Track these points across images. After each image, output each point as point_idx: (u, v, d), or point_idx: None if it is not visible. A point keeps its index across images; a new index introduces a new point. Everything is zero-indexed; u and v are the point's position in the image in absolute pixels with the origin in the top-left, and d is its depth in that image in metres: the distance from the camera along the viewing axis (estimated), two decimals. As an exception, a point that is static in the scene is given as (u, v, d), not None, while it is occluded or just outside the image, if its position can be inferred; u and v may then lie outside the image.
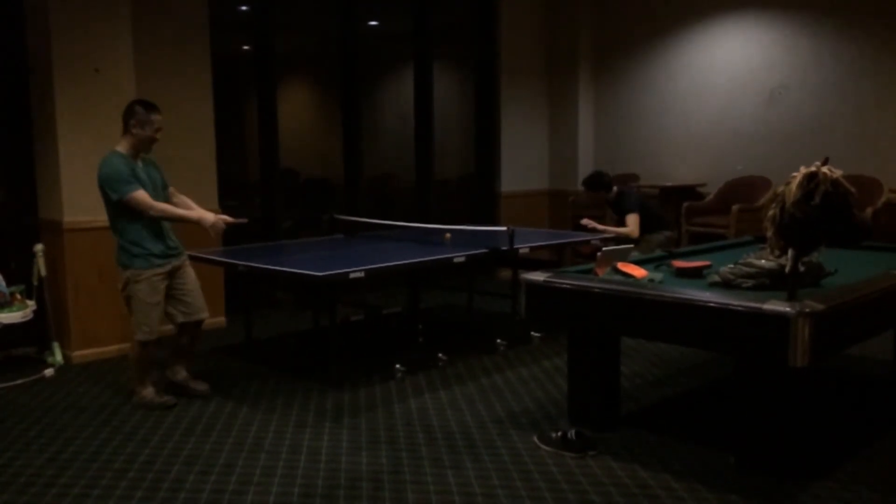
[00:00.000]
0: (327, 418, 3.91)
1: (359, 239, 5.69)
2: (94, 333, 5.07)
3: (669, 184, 7.04)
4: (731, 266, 3.50)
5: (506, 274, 6.87)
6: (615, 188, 5.83)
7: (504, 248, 4.89)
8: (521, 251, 4.99)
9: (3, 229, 5.33)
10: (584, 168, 8.06)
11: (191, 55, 5.68)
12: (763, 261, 3.40)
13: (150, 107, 4.05)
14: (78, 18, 4.85)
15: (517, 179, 8.00)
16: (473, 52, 8.05)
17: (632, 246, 4.22)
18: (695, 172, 7.28)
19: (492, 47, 7.88)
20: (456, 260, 4.63)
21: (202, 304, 4.27)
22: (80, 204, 4.91)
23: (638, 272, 3.66)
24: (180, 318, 4.22)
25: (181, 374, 4.34)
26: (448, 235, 5.30)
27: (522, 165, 8.05)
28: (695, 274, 3.73)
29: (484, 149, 8.05)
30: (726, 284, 3.42)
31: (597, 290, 3.42)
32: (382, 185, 9.46)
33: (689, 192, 7.06)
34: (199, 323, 4.29)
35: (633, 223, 5.65)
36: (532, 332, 5.38)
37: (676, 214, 6.82)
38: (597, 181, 5.81)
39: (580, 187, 6.30)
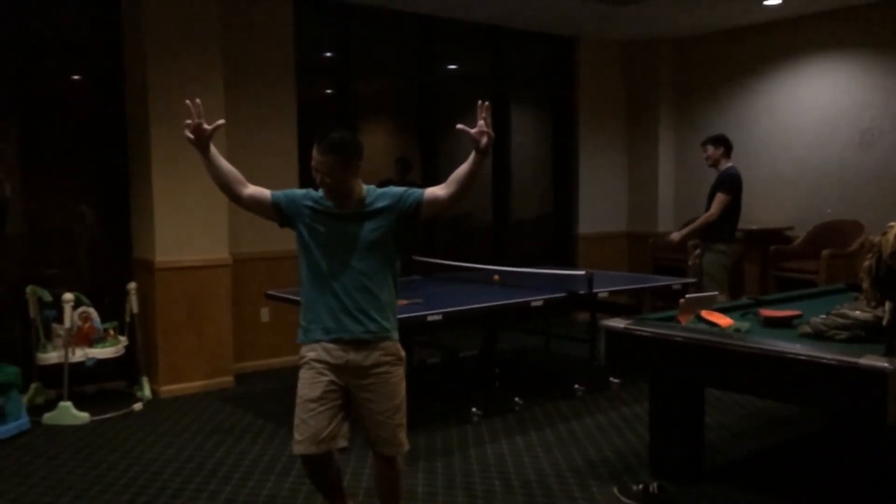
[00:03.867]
0: (404, 461, 3.91)
1: (435, 280, 5.72)
2: (180, 369, 5.23)
3: (755, 227, 6.83)
4: (824, 317, 3.36)
5: (583, 317, 6.81)
6: (726, 164, 5.77)
7: (582, 291, 4.83)
8: (599, 295, 4.92)
9: (99, 268, 5.61)
10: (664, 211, 7.96)
11: (278, 102, 5.90)
12: (858, 312, 3.26)
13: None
14: (174, 70, 5.11)
15: (595, 221, 7.93)
16: (551, 93, 8.07)
17: (716, 294, 4.11)
18: (781, 215, 7.05)
19: (570, 89, 7.89)
20: (534, 304, 4.60)
21: None
22: (171, 244, 5.12)
23: (723, 321, 3.56)
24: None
25: None
26: (497, 277, 5.32)
27: (601, 207, 7.98)
28: (784, 324, 3.60)
29: (562, 189, 8.02)
30: (818, 336, 3.29)
31: (680, 339, 3.33)
32: (458, 224, 9.51)
33: (775, 236, 6.84)
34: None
35: (717, 204, 5.59)
36: (611, 378, 5.27)
37: (763, 258, 6.61)
38: (717, 138, 5.84)
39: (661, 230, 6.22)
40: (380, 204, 2.77)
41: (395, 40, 7.28)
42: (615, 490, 3.50)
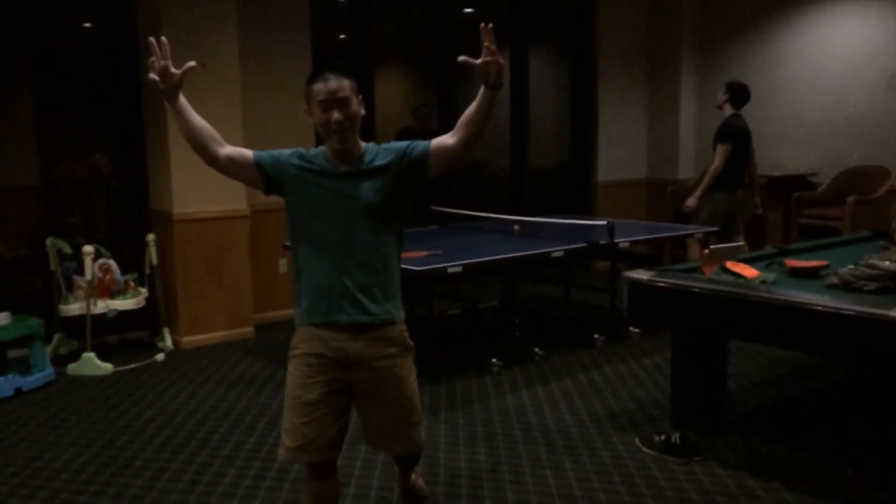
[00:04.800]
0: (424, 413, 3.93)
1: (453, 230, 5.68)
2: (201, 320, 5.26)
3: (778, 173, 6.71)
4: (852, 267, 3.30)
5: (603, 265, 6.77)
6: (729, 111, 5.76)
7: (603, 241, 4.78)
8: (620, 245, 4.87)
9: (117, 219, 5.61)
10: (685, 157, 7.81)
11: (292, 46, 5.79)
12: (887, 262, 3.20)
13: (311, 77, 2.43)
14: (186, 16, 5.00)
15: (614, 169, 7.81)
16: (570, 37, 7.88)
17: (742, 244, 4.05)
18: (806, 161, 6.91)
19: (589, 32, 7.69)
20: (554, 254, 4.56)
21: None
22: (188, 196, 5.09)
23: (748, 272, 3.50)
24: None
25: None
26: (517, 227, 5.28)
27: (620, 154, 7.85)
28: (810, 274, 3.54)
29: (580, 137, 7.89)
30: (846, 287, 3.23)
31: (704, 290, 3.28)
32: (474, 172, 9.41)
33: (799, 182, 6.72)
34: None
35: (718, 156, 5.61)
36: (631, 328, 5.25)
37: (786, 205, 6.51)
38: (728, 84, 5.86)
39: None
40: (380, 161, 2.35)
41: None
42: (637, 440, 3.50)
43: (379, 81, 7.05)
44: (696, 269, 3.67)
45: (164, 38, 2.26)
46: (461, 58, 2.30)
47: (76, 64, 5.58)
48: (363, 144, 2.38)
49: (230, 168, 2.38)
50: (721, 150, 5.66)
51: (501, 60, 2.26)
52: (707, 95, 7.73)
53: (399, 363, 2.38)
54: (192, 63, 2.29)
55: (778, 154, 7.05)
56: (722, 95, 5.81)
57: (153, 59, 2.25)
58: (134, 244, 5.30)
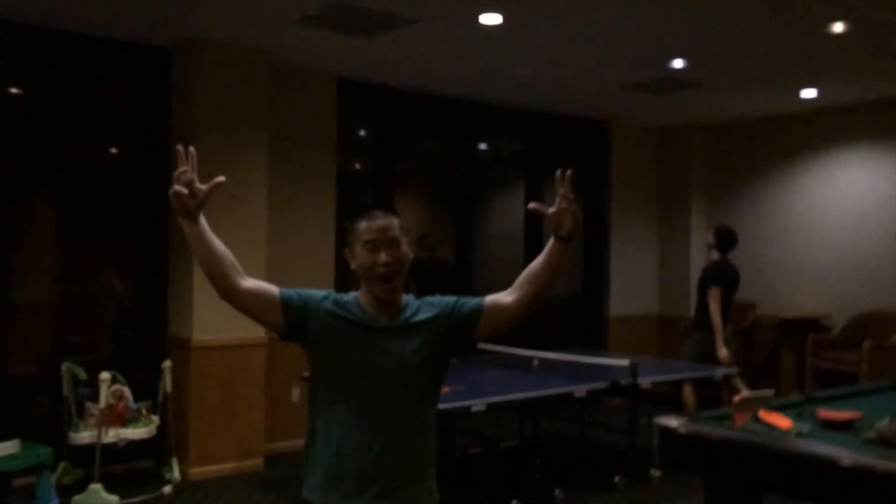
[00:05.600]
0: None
1: (471, 363, 5.62)
2: (211, 451, 5.13)
3: (791, 315, 6.75)
4: (889, 421, 3.25)
5: (616, 402, 6.67)
6: (714, 253, 5.96)
7: (624, 382, 4.74)
8: (642, 385, 4.82)
9: (131, 342, 5.57)
10: (695, 294, 7.86)
11: (319, 178, 5.98)
12: (927, 419, 3.15)
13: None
14: (220, 145, 5.16)
15: (626, 303, 7.86)
16: (584, 176, 8.12)
17: (772, 392, 4.01)
18: (817, 304, 6.97)
19: (602, 172, 7.94)
20: (577, 394, 4.51)
21: None
22: (208, 323, 5.08)
23: (782, 422, 3.44)
24: None
25: None
26: (536, 363, 5.27)
27: (632, 289, 7.92)
28: (845, 427, 3.48)
29: (592, 271, 7.99)
30: (883, 443, 3.17)
31: (740, 442, 3.22)
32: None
33: (811, 325, 6.75)
34: None
35: (712, 299, 5.76)
36: (651, 470, 5.12)
37: (799, 348, 6.50)
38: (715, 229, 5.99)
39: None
40: (423, 315, 2.07)
41: (432, 121, 7.38)
42: None
43: (399, 210, 7.20)
44: (727, 417, 3.61)
45: (192, 149, 2.01)
46: (532, 205, 2.05)
47: (102, 186, 5.71)
48: (404, 297, 2.13)
49: (249, 303, 2.05)
50: (714, 292, 5.81)
51: (578, 212, 2.01)
52: (717, 234, 7.88)
53: None
54: (220, 178, 2.03)
55: (789, 296, 7.11)
56: (711, 239, 5.97)
57: (180, 171, 1.97)
58: (147, 369, 5.24)
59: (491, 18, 4.81)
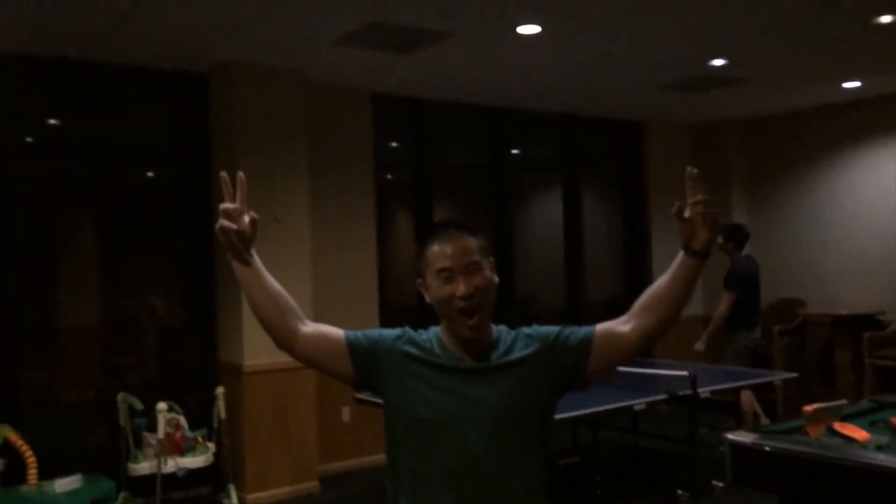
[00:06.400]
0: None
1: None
2: (266, 475, 5.12)
3: (844, 312, 6.60)
4: (972, 431, 3.15)
5: (663, 408, 6.55)
6: (733, 253, 5.87)
7: (683, 392, 4.65)
8: (701, 394, 4.73)
9: (180, 368, 5.59)
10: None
11: (358, 194, 5.97)
12: None
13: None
14: (261, 169, 5.15)
15: (671, 305, 7.73)
16: (621, 178, 8.03)
17: (844, 402, 3.90)
18: (871, 299, 6.81)
19: (640, 173, 7.84)
20: (636, 407, 4.43)
21: None
22: (259, 348, 5.06)
23: (859, 434, 3.35)
24: None
25: None
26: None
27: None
28: (924, 436, 3.38)
29: (635, 273, 7.89)
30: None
31: (815, 457, 3.13)
32: (526, 306, 9.37)
33: (867, 321, 6.59)
34: None
35: (723, 303, 5.82)
36: (714, 481, 5.01)
37: (855, 345, 6.35)
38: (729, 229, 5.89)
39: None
40: (520, 351, 1.75)
41: (465, 129, 7.33)
42: None
43: (437, 218, 7.17)
44: (798, 429, 3.52)
45: (241, 175, 1.72)
46: (674, 209, 1.67)
47: (144, 212, 5.74)
48: (494, 328, 1.80)
49: (311, 352, 1.77)
50: (726, 297, 5.85)
51: (717, 216, 1.66)
52: (760, 230, 7.74)
53: None
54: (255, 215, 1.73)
55: (840, 292, 6.96)
56: (726, 243, 5.89)
57: (228, 206, 1.67)
58: (199, 395, 5.25)
59: (529, 29, 4.75)
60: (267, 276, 1.75)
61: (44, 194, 5.37)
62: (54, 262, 5.45)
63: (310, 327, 1.78)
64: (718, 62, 5.64)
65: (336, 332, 1.79)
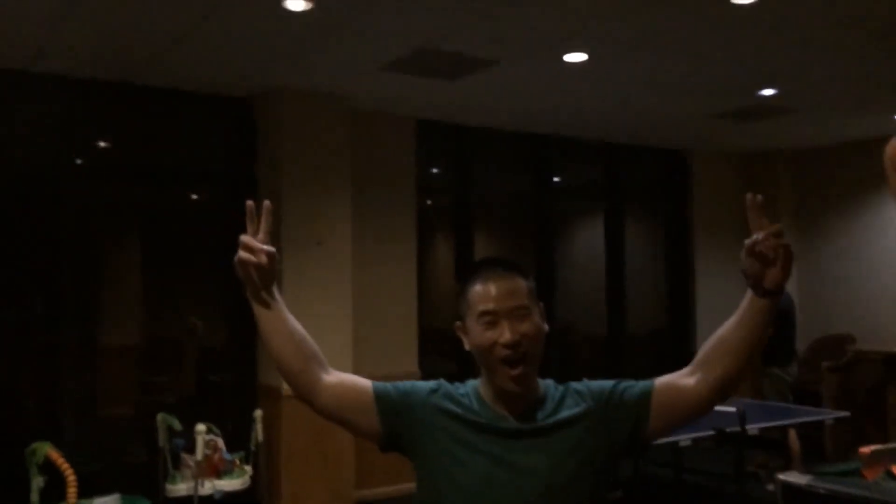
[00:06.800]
0: None
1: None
2: (304, 500, 5.09)
3: (897, 349, 6.39)
4: None
5: (710, 443, 6.39)
6: None
7: (731, 429, 4.52)
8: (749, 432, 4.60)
9: (220, 390, 5.60)
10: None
11: (399, 212, 5.99)
12: None
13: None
14: (305, 193, 5.18)
15: (714, 338, 7.58)
16: (665, 207, 7.93)
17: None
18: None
19: (684, 203, 7.74)
20: (682, 444, 4.31)
21: None
22: (298, 370, 5.06)
23: (920, 479, 3.20)
24: None
25: None
26: None
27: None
28: None
29: (677, 305, 7.75)
30: None
31: (875, 501, 3.00)
32: (563, 336, 9.26)
33: (922, 360, 6.36)
34: None
35: None
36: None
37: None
38: None
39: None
40: (570, 409, 1.55)
41: (507, 156, 7.33)
42: None
43: (478, 247, 7.14)
44: (854, 472, 3.38)
45: (267, 202, 1.59)
46: (750, 241, 1.48)
47: (188, 234, 5.81)
48: (541, 383, 1.60)
49: (333, 403, 1.59)
50: None
51: (790, 251, 1.46)
52: (810, 264, 7.57)
53: None
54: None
55: (893, 328, 6.74)
56: None
57: (249, 239, 1.54)
58: (236, 416, 5.24)
59: (576, 56, 4.73)
60: (289, 318, 1.59)
61: (91, 215, 5.46)
62: (99, 280, 5.54)
63: (334, 377, 1.61)
64: (769, 92, 5.55)
65: (363, 382, 1.62)
